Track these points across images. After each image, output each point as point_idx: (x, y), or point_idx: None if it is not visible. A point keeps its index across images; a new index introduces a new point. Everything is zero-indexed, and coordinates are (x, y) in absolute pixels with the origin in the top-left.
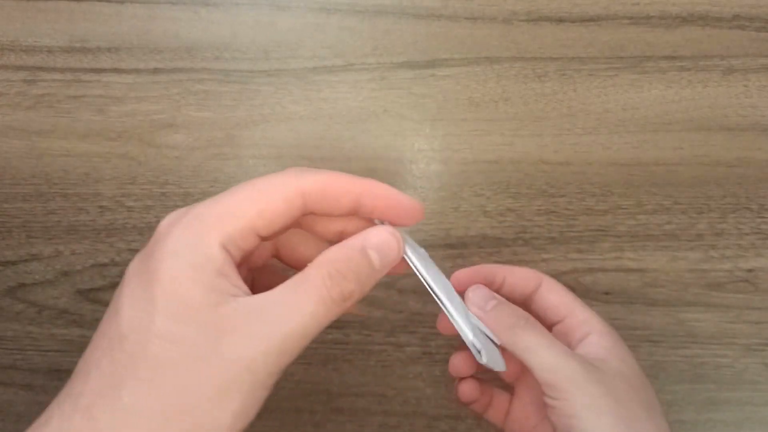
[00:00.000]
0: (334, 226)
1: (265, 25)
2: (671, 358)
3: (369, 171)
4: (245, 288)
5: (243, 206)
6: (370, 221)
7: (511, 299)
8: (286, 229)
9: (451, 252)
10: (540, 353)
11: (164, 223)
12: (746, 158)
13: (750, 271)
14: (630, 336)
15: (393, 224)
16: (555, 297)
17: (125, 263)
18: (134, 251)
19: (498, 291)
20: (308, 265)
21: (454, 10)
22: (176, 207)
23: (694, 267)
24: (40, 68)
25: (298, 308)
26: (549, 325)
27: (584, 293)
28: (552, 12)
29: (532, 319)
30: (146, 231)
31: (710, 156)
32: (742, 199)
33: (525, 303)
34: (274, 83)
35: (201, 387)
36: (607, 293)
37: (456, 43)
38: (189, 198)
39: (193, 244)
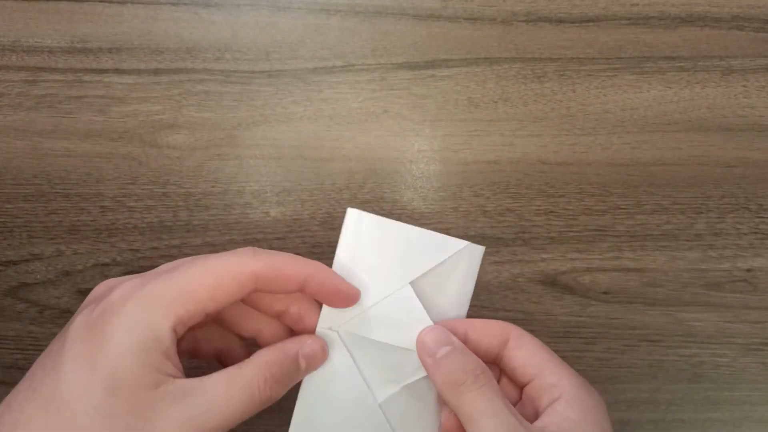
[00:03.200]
0: (278, 305)
1: (265, 26)
2: (670, 357)
3: (369, 171)
4: (181, 369)
5: (197, 289)
6: (312, 301)
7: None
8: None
9: None
10: (481, 423)
11: (117, 294)
12: (745, 158)
13: (749, 270)
14: (629, 336)
15: (331, 305)
16: (523, 354)
17: (126, 263)
18: (135, 251)
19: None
20: (245, 361)
21: (454, 11)
22: (177, 207)
23: (692, 267)
24: (42, 69)
25: (230, 402)
26: (520, 386)
27: (583, 293)
28: (551, 13)
29: (485, 376)
30: (147, 231)
31: (709, 156)
32: (740, 199)
33: (494, 361)
34: (274, 84)
35: None
36: (606, 293)
37: (456, 44)
38: (190, 198)
39: (145, 325)
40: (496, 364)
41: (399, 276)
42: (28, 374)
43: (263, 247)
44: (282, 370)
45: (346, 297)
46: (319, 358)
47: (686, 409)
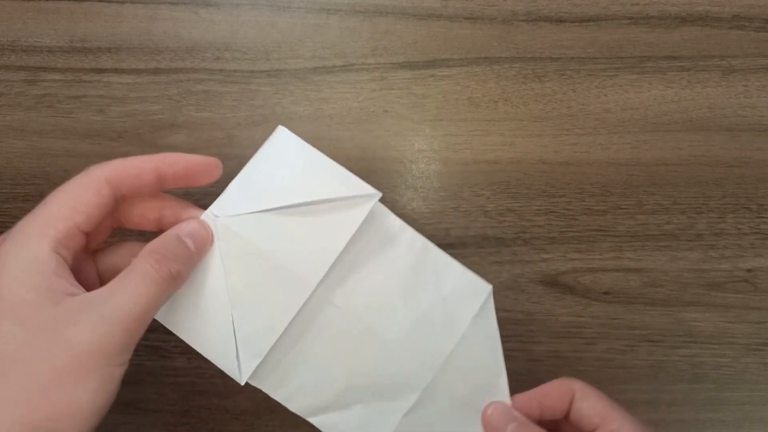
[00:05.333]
0: (151, 214)
1: (265, 25)
2: (671, 357)
3: (369, 171)
4: (82, 288)
5: (60, 209)
6: (183, 203)
7: (554, 419)
8: (105, 218)
9: (451, 252)
10: None
11: None
12: (745, 158)
13: (749, 270)
14: (629, 336)
15: (196, 185)
16: (588, 405)
17: None
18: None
19: (537, 419)
20: (133, 259)
21: (454, 10)
22: None
23: (693, 267)
24: (41, 68)
25: (133, 292)
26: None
27: (584, 293)
28: (552, 12)
29: None
30: (147, 231)
31: (709, 156)
32: (741, 199)
33: (562, 416)
34: (274, 83)
35: (54, 372)
36: (606, 293)
37: (456, 43)
38: (190, 197)
39: (26, 254)
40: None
41: (294, 193)
42: None
43: None
44: (168, 248)
45: (205, 166)
46: (202, 235)
47: (687, 410)
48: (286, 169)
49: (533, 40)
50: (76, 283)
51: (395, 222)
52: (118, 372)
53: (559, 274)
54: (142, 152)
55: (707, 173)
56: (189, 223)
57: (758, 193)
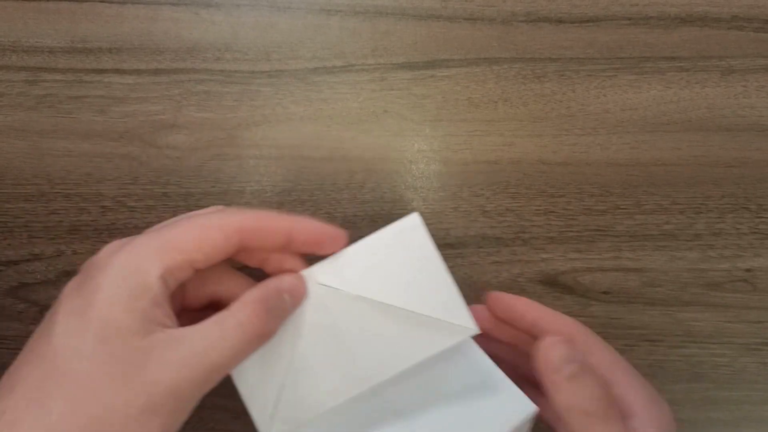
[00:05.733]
0: (258, 255)
1: (265, 26)
2: (670, 357)
3: (369, 171)
4: (175, 320)
5: (185, 240)
6: (293, 254)
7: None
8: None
9: (451, 252)
10: None
11: (105, 251)
12: (744, 158)
13: (748, 270)
14: (628, 335)
15: (319, 253)
16: (592, 361)
17: None
18: None
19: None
20: (232, 304)
21: (454, 11)
22: (178, 207)
23: (692, 267)
24: (42, 69)
25: (223, 341)
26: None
27: (583, 293)
28: (551, 13)
29: (614, 410)
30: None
31: (708, 156)
32: (740, 199)
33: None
34: (274, 84)
35: (125, 406)
36: (605, 293)
37: (455, 44)
38: (190, 198)
39: (133, 273)
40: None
41: (397, 293)
42: (27, 343)
43: None
44: (269, 301)
45: (333, 238)
46: (300, 293)
47: (686, 409)
48: (401, 262)
49: (533, 40)
50: (172, 315)
51: (484, 361)
52: (183, 419)
53: (559, 274)
54: (143, 153)
55: (706, 173)
56: (291, 277)
57: (757, 193)
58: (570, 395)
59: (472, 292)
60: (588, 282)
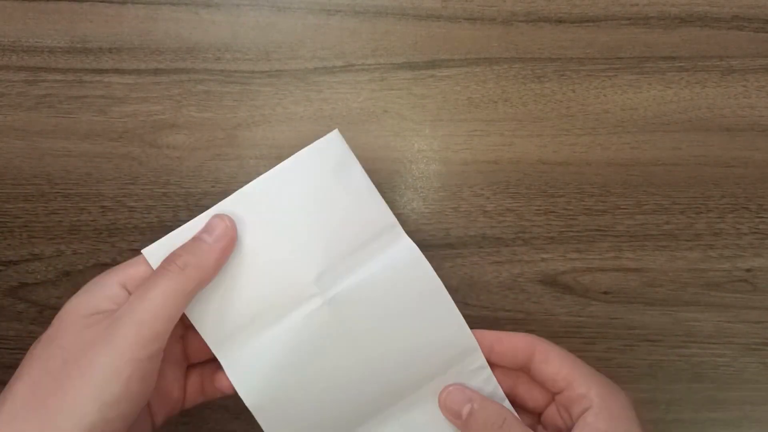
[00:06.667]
0: None
1: (265, 26)
2: (670, 357)
3: (369, 171)
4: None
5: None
6: None
7: (504, 367)
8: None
9: (451, 252)
10: None
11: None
12: (744, 158)
13: (748, 270)
14: (629, 335)
15: None
16: (550, 369)
17: None
18: (135, 251)
19: (488, 358)
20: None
21: (454, 11)
22: (178, 207)
23: (692, 267)
24: (42, 69)
25: (152, 294)
26: (553, 394)
27: (583, 293)
28: (551, 13)
29: (508, 424)
30: (147, 231)
31: (708, 156)
32: (740, 199)
33: (522, 370)
34: (274, 84)
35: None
36: (605, 293)
37: (456, 44)
38: (190, 198)
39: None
40: (524, 371)
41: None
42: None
43: None
44: (180, 248)
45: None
46: (219, 225)
47: (686, 409)
48: (326, 177)
49: (533, 40)
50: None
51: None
52: (149, 365)
53: (559, 274)
54: (143, 153)
55: (706, 173)
56: (208, 219)
57: (757, 193)
58: (476, 428)
59: (472, 292)
60: (588, 282)
